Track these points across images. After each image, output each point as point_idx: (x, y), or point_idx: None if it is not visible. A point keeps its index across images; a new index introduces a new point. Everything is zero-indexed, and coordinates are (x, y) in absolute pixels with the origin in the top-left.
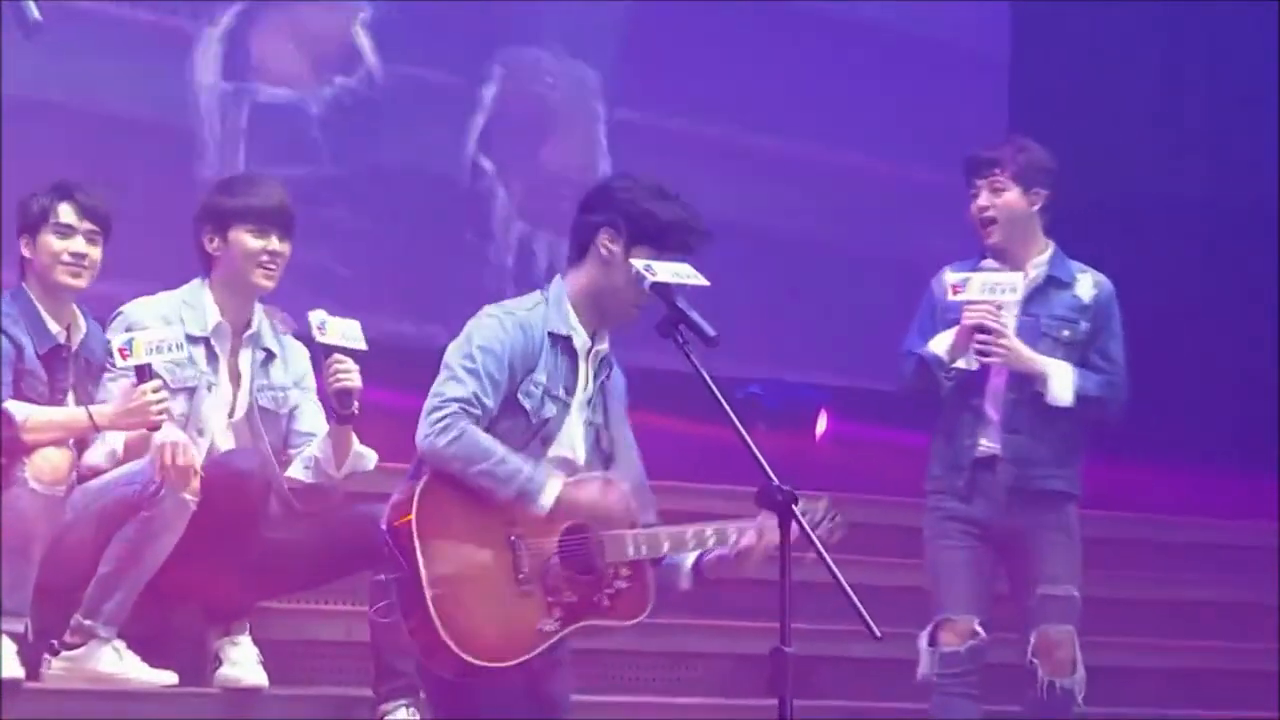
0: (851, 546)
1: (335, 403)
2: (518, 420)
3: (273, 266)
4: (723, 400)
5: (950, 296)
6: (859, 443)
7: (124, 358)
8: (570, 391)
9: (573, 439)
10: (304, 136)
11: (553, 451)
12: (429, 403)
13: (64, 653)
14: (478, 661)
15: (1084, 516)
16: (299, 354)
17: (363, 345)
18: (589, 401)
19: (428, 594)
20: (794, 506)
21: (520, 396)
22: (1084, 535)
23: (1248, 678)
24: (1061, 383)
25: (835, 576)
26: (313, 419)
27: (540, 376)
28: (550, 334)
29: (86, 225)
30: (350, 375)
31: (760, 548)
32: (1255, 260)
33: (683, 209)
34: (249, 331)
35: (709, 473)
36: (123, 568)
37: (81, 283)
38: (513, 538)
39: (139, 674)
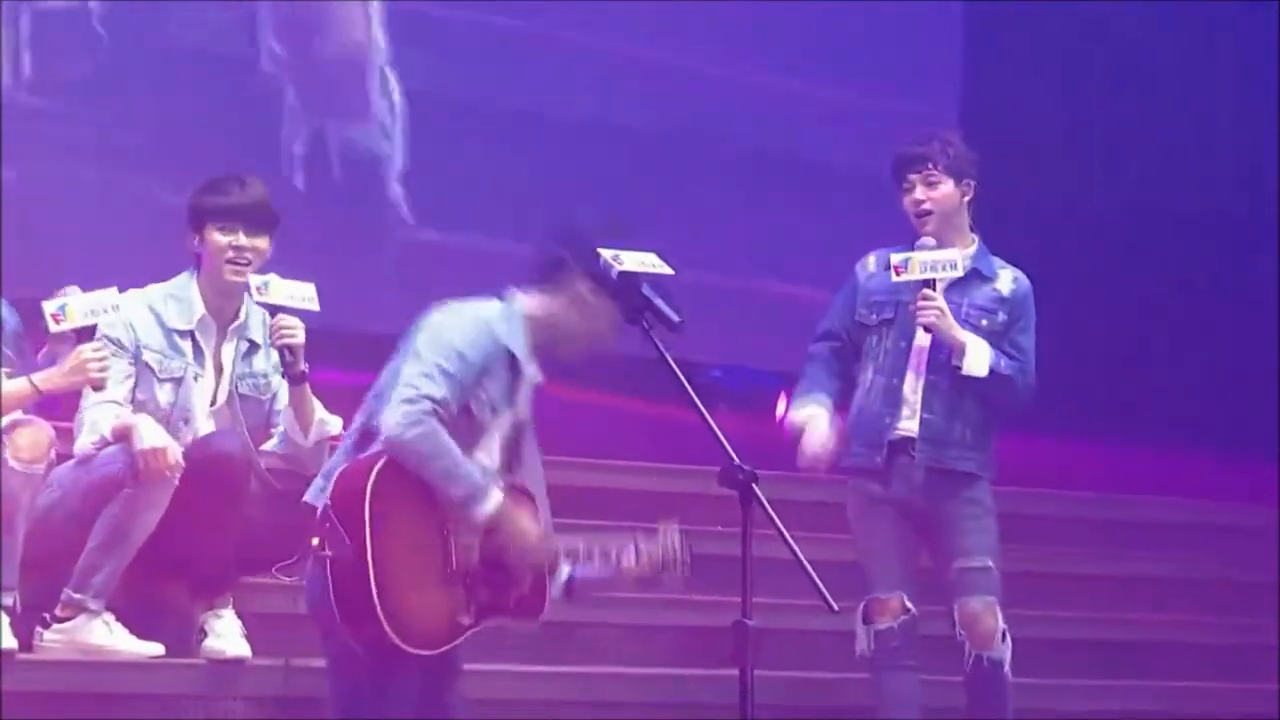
0: (808, 524)
1: (280, 361)
2: (459, 421)
3: (241, 261)
4: (686, 384)
5: (894, 278)
6: None
7: (57, 322)
8: (507, 405)
9: (492, 445)
10: (89, 35)
11: (475, 455)
12: (403, 391)
13: (55, 625)
14: (404, 645)
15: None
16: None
17: (314, 306)
18: (512, 422)
19: (370, 570)
20: (754, 485)
21: (470, 402)
22: (1079, 515)
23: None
24: (978, 356)
25: (794, 552)
26: (286, 399)
27: (491, 387)
28: (506, 350)
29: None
30: (293, 332)
31: (638, 568)
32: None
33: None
34: (235, 323)
35: (673, 453)
36: (109, 542)
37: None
38: (446, 531)
39: (128, 645)
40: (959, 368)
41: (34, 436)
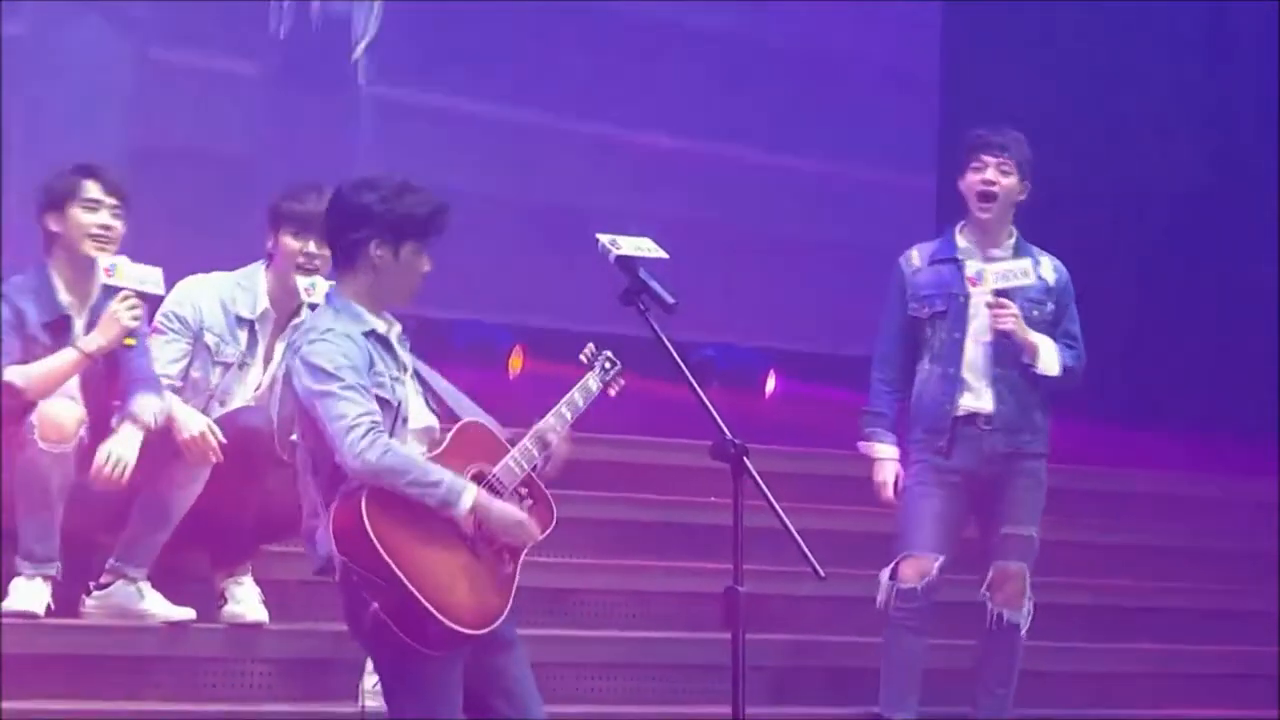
0: (796, 495)
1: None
2: (385, 413)
3: (309, 267)
4: (680, 362)
5: (970, 289)
6: (804, 400)
7: (108, 275)
8: (400, 369)
9: (420, 410)
10: None
11: (413, 426)
12: (336, 426)
13: (95, 592)
14: (477, 631)
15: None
16: None
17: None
18: (412, 375)
19: (412, 589)
20: (745, 459)
21: (377, 391)
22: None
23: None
24: (1050, 356)
25: (783, 521)
26: None
27: (380, 368)
28: (364, 334)
29: (111, 200)
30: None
31: (560, 449)
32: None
33: (429, 197)
34: (295, 321)
35: (668, 428)
36: (152, 516)
37: (105, 254)
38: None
39: (161, 610)
40: (1029, 365)
41: (58, 418)
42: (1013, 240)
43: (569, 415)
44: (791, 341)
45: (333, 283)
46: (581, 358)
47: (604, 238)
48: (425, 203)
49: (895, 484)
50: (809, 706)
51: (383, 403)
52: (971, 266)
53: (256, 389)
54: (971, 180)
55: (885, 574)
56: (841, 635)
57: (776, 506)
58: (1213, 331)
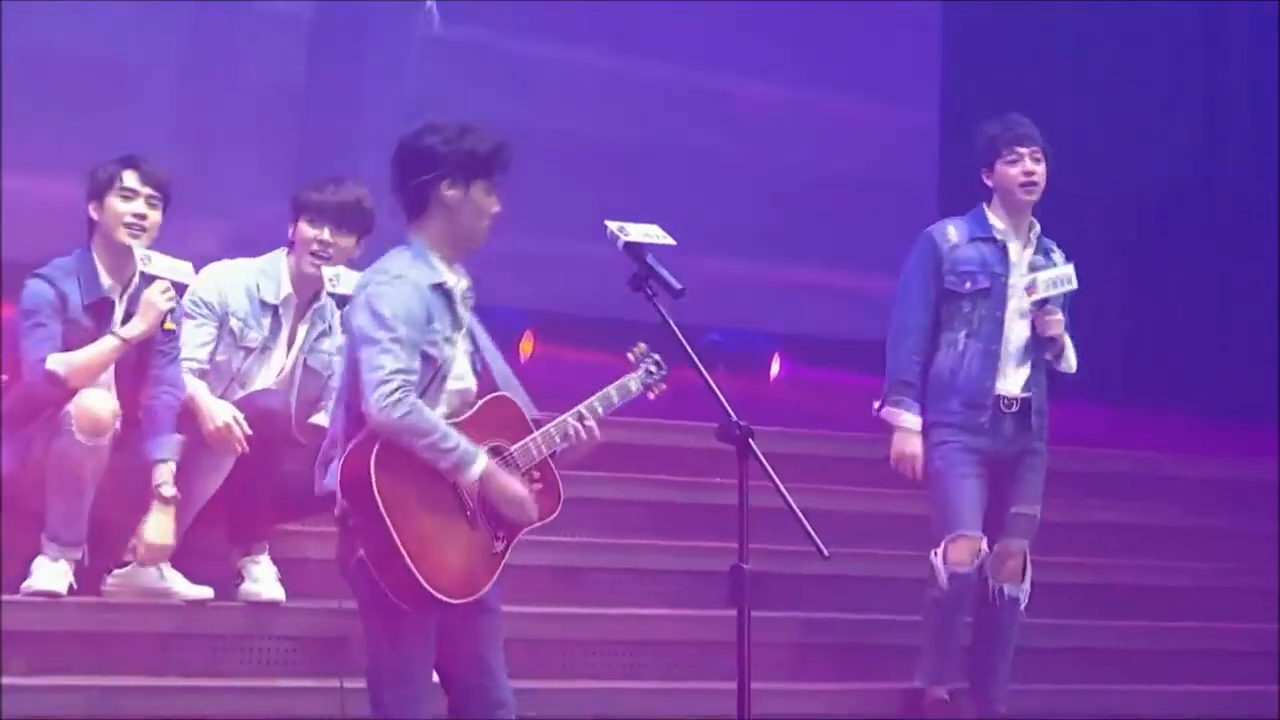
0: (800, 475)
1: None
2: (425, 368)
3: (323, 255)
4: (687, 346)
5: (1028, 299)
6: (808, 384)
7: (144, 265)
8: (455, 330)
9: (463, 371)
10: None
11: (450, 386)
12: (372, 376)
13: (117, 570)
14: (455, 599)
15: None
16: None
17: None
18: (465, 335)
19: (400, 548)
20: (750, 440)
21: (426, 347)
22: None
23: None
24: (1072, 354)
25: (787, 501)
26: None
27: (436, 325)
28: (431, 285)
29: (147, 190)
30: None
31: (585, 443)
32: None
33: (490, 134)
34: (316, 305)
35: (676, 411)
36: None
37: (141, 242)
38: (453, 481)
39: (181, 588)
40: (1053, 360)
41: (95, 411)
42: (1037, 229)
43: (600, 410)
44: (797, 325)
45: (357, 273)
46: (629, 355)
47: (612, 225)
48: (486, 140)
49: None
50: (813, 682)
51: (427, 358)
52: (1025, 278)
53: (279, 373)
54: (1012, 173)
55: (938, 557)
56: (843, 613)
57: (781, 487)
58: (1211, 316)
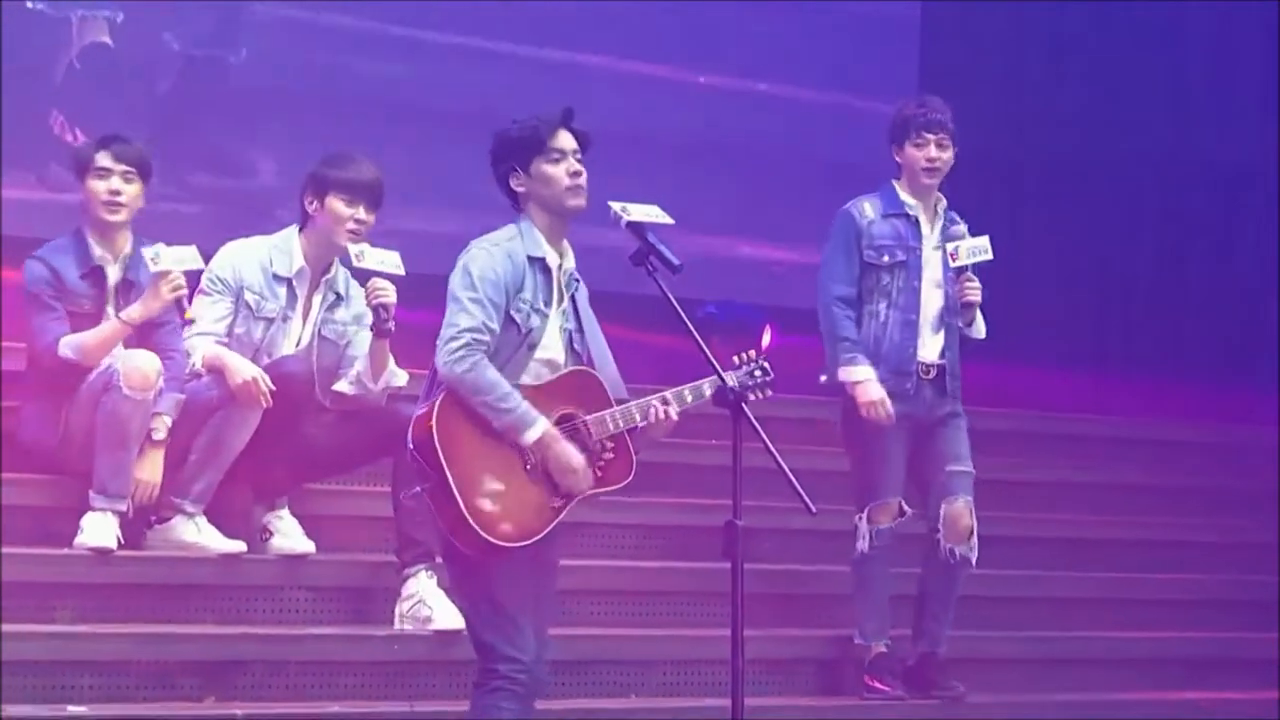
0: (790, 438)
1: (374, 317)
2: (510, 332)
3: (358, 231)
4: (685, 318)
5: (952, 263)
6: (798, 353)
7: (154, 264)
8: (548, 304)
9: (553, 343)
10: None
11: (539, 355)
12: (445, 332)
13: (156, 526)
14: (505, 543)
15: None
16: (361, 296)
17: (401, 271)
18: (563, 311)
19: (456, 494)
20: (743, 405)
21: (512, 313)
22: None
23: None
24: (981, 322)
25: (777, 461)
26: (363, 346)
27: (526, 294)
28: (529, 258)
29: (122, 167)
30: (386, 292)
31: (663, 426)
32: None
33: (532, 117)
34: (327, 276)
35: (674, 377)
36: (208, 457)
37: (119, 217)
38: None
39: (215, 543)
40: (964, 327)
41: (142, 368)
42: (943, 204)
43: (690, 399)
44: (787, 299)
45: (382, 249)
46: (735, 359)
47: (615, 205)
48: (526, 124)
49: None
50: (800, 629)
51: (510, 323)
52: (949, 245)
53: (299, 343)
54: (917, 155)
55: (862, 520)
56: (828, 565)
57: (772, 448)
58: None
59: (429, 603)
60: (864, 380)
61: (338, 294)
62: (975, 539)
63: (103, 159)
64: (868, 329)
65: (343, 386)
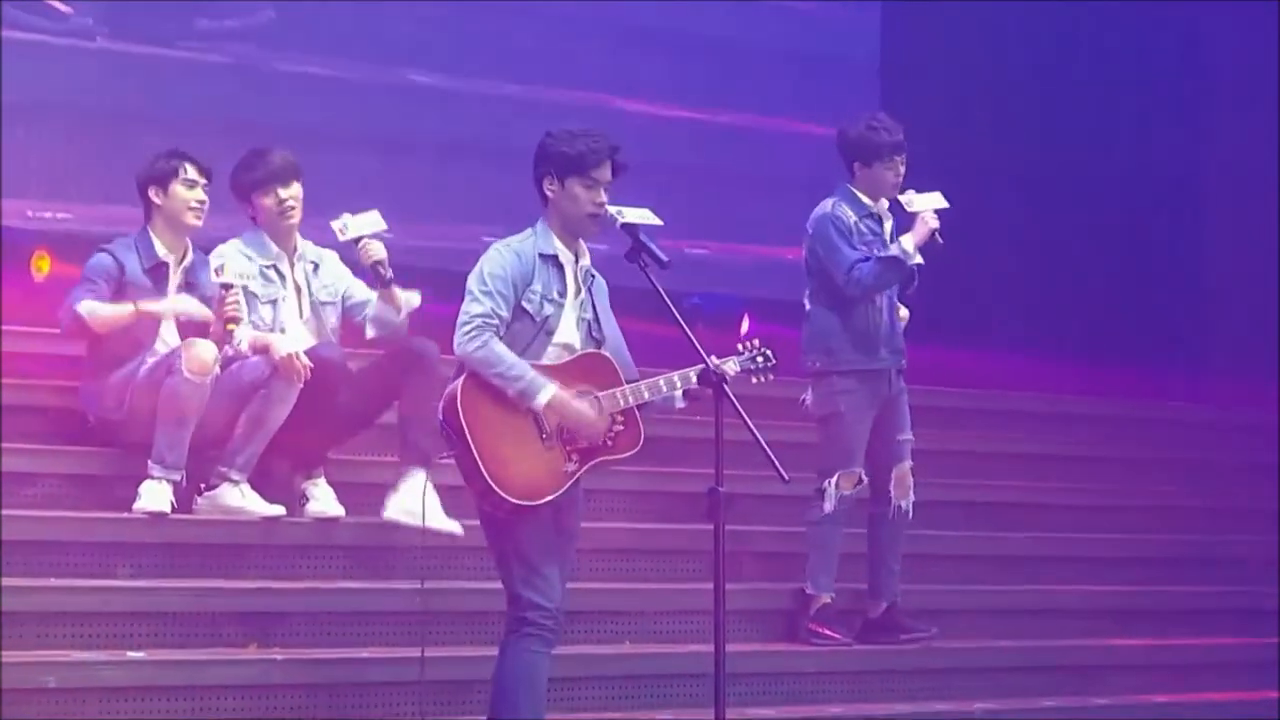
0: (764, 413)
1: (372, 274)
2: (525, 321)
3: (292, 208)
4: (673, 307)
5: (909, 208)
6: (771, 338)
7: (218, 275)
8: (562, 295)
9: (569, 330)
10: None
11: (556, 340)
12: (459, 319)
13: (206, 493)
14: (522, 501)
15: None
16: (332, 257)
17: (383, 226)
18: (579, 303)
19: (477, 457)
20: (725, 384)
21: (523, 303)
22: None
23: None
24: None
25: (755, 436)
26: (361, 290)
27: (536, 286)
28: (541, 255)
29: (202, 180)
30: (375, 250)
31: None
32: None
33: (587, 140)
34: (297, 253)
35: (663, 361)
36: (251, 430)
37: (200, 222)
38: (526, 408)
39: (257, 507)
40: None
41: (203, 355)
42: (886, 203)
43: (694, 379)
44: (761, 290)
45: (370, 212)
46: (740, 347)
47: (611, 209)
48: (579, 143)
49: None
50: (770, 583)
51: (523, 313)
52: (905, 197)
53: (303, 316)
54: (888, 175)
55: (831, 485)
56: (799, 526)
57: (750, 423)
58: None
59: (420, 499)
60: (926, 218)
61: (314, 262)
62: (912, 495)
63: (190, 171)
64: (868, 318)
65: (369, 333)
